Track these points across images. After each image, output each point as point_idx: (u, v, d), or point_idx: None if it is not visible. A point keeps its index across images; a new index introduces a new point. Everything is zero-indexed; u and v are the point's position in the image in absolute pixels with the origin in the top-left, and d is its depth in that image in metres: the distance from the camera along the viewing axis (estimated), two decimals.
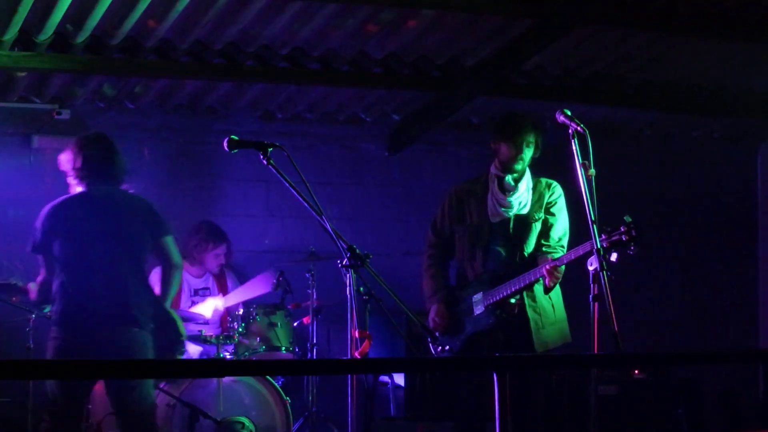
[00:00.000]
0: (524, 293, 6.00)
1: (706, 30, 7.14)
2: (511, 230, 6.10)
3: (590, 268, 4.98)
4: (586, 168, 5.01)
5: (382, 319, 5.71)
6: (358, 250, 4.91)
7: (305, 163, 5.02)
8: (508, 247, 6.11)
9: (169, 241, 5.87)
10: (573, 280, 5.86)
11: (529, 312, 6.02)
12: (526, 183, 6.15)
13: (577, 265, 5.60)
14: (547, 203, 6.13)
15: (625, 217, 5.26)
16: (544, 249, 6.07)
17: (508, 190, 6.13)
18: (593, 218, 4.98)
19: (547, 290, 5.96)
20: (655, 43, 7.57)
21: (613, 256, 5.20)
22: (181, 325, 5.84)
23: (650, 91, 8.31)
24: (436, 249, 6.38)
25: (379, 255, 5.37)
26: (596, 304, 4.88)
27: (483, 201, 6.18)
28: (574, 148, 5.05)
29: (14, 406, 7.24)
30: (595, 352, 4.86)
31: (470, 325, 6.14)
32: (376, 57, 7.50)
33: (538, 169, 6.29)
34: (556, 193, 6.16)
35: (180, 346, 5.78)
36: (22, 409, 7.12)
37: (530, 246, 6.11)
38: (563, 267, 5.87)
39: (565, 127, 5.12)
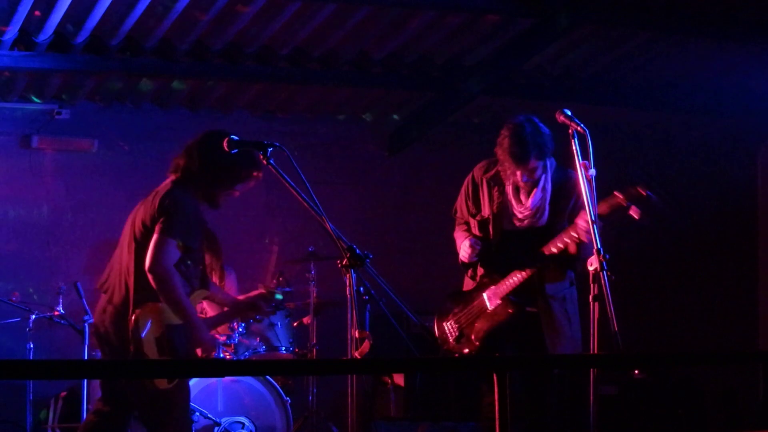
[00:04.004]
0: (540, 305, 5.72)
1: (706, 30, 7.14)
2: (526, 242, 5.77)
3: (590, 268, 4.97)
4: (586, 168, 5.00)
5: (382, 319, 5.71)
6: (357, 251, 4.91)
7: (305, 163, 5.02)
8: (524, 255, 5.75)
9: (157, 242, 5.42)
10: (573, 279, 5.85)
11: (545, 329, 5.72)
12: (542, 185, 5.76)
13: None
14: (566, 198, 5.74)
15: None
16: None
17: (521, 202, 5.80)
18: (593, 218, 4.96)
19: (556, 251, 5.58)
20: (655, 43, 7.57)
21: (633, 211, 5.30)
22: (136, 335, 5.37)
23: (650, 91, 8.32)
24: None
25: (379, 255, 5.36)
26: (596, 304, 4.87)
27: (497, 197, 5.84)
28: (574, 148, 5.04)
29: (14, 406, 7.24)
30: (595, 352, 4.86)
31: (486, 322, 5.81)
32: (376, 57, 7.50)
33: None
34: (571, 182, 5.63)
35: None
36: (22, 409, 7.13)
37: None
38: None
39: (565, 127, 5.11)
